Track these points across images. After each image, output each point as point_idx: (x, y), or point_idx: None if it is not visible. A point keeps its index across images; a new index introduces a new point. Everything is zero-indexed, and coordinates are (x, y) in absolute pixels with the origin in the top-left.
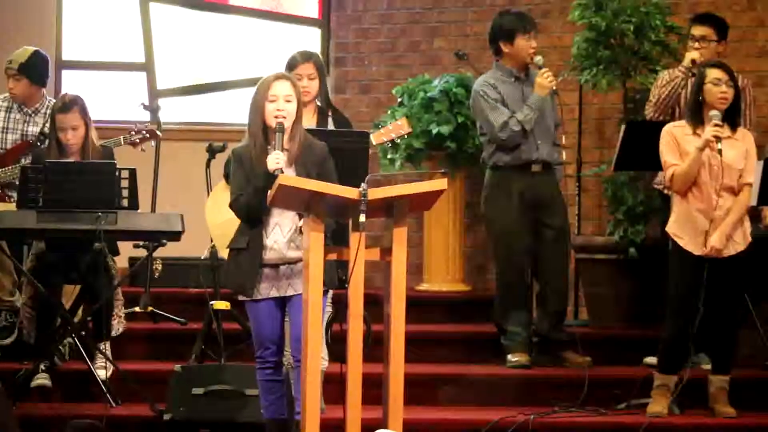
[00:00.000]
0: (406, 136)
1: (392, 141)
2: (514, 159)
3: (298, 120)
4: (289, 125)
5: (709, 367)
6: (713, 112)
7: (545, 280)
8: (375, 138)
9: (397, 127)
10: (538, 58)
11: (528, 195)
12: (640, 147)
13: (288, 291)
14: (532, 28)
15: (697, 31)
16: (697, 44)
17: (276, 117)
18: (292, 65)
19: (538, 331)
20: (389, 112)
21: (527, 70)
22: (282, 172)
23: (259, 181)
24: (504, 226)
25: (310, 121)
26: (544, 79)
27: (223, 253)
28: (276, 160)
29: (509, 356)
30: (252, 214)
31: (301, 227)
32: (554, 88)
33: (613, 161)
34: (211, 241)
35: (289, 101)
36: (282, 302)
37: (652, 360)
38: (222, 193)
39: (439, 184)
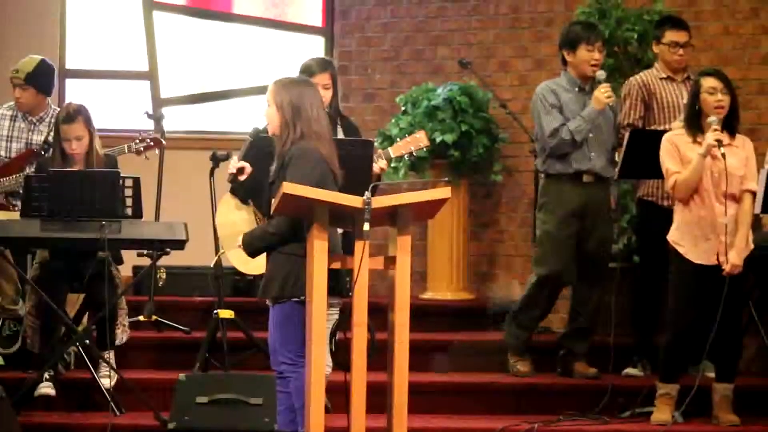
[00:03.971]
0: (424, 149)
1: (410, 154)
2: (565, 167)
3: (285, 126)
4: (273, 131)
5: (713, 375)
6: (712, 118)
7: (579, 288)
8: (393, 150)
9: (415, 140)
10: (600, 73)
11: (576, 205)
12: (644, 155)
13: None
14: (597, 40)
15: (681, 37)
16: (681, 50)
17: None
18: (308, 74)
19: (559, 340)
20: (393, 120)
21: (592, 82)
22: (233, 179)
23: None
24: (549, 234)
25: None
26: (602, 94)
27: (229, 252)
28: (229, 166)
29: (511, 362)
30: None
31: None
32: (611, 104)
33: (617, 169)
34: (216, 251)
35: (268, 106)
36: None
37: (630, 371)
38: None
39: (443, 192)
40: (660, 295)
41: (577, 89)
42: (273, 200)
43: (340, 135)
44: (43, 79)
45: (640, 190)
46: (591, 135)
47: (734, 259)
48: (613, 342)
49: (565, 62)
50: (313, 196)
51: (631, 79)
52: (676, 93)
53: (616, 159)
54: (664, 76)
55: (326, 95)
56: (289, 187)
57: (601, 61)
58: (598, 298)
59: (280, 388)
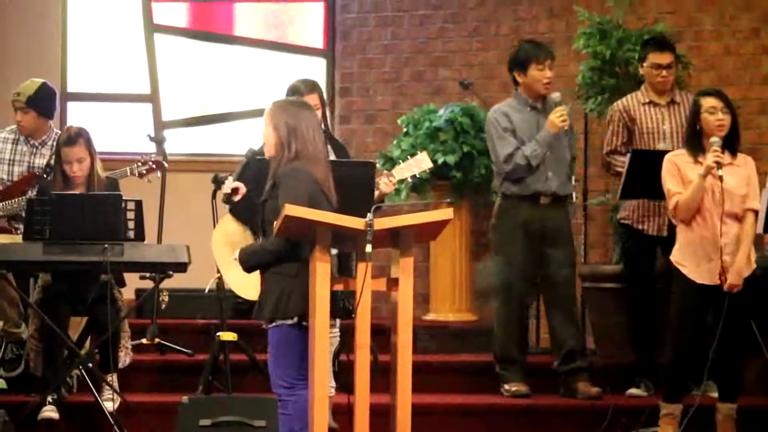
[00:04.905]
0: (427, 171)
1: (414, 176)
2: (522, 189)
3: (281, 147)
4: (270, 153)
5: (716, 394)
6: (713, 139)
7: (553, 312)
8: (397, 173)
9: (418, 162)
10: (556, 95)
11: (534, 226)
12: (646, 176)
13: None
14: (547, 58)
15: (664, 59)
16: (664, 72)
17: None
18: (296, 95)
19: (551, 362)
20: (395, 142)
21: (544, 100)
22: (228, 199)
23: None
24: (507, 255)
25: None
26: (557, 118)
27: (226, 274)
28: (224, 186)
29: (505, 386)
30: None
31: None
32: (566, 127)
33: (619, 190)
34: (218, 271)
35: (265, 127)
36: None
37: (634, 392)
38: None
39: (445, 214)
40: (652, 315)
41: (529, 108)
42: (266, 219)
43: (332, 155)
44: (44, 103)
45: (620, 212)
46: (547, 154)
47: (732, 278)
48: (602, 362)
49: (515, 83)
50: (315, 218)
51: (614, 105)
52: (658, 118)
53: (573, 180)
54: (646, 100)
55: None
56: (290, 209)
57: (552, 79)
58: (573, 317)
59: (282, 410)
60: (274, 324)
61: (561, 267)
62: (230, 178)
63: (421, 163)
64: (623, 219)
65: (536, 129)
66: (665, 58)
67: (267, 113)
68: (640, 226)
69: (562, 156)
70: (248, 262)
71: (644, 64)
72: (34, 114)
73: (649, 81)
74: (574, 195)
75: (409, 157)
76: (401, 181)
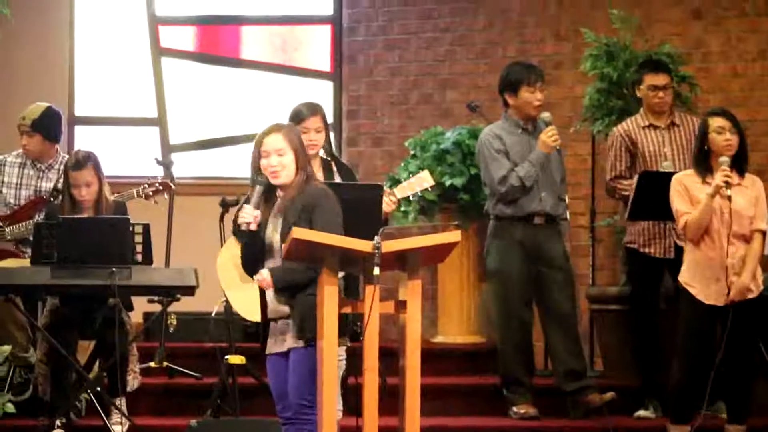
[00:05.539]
0: (429, 189)
1: (416, 194)
2: (516, 210)
3: (300, 170)
4: (288, 179)
5: (725, 416)
6: (722, 159)
7: (553, 332)
8: (399, 191)
9: (420, 180)
10: (546, 115)
11: (529, 245)
12: (654, 197)
13: (283, 346)
14: (537, 80)
15: (660, 80)
16: (661, 93)
17: (271, 173)
18: (299, 118)
19: (554, 384)
20: (402, 164)
21: (535, 121)
22: (251, 228)
23: (241, 237)
24: (504, 275)
25: (316, 174)
26: (548, 137)
27: (231, 296)
28: (243, 215)
29: (513, 408)
30: (246, 271)
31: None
32: (558, 147)
33: (627, 211)
34: (224, 294)
35: (281, 155)
36: (286, 358)
37: (642, 413)
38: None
39: (453, 236)
40: (659, 337)
41: (520, 131)
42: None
43: (337, 177)
44: (49, 126)
45: (626, 236)
46: (539, 174)
47: (734, 295)
48: (612, 384)
49: (505, 105)
50: (324, 241)
51: (614, 130)
52: (658, 141)
53: (564, 198)
54: (645, 124)
55: (319, 138)
56: (299, 232)
57: (542, 100)
58: (575, 337)
59: None
60: (312, 344)
61: (559, 287)
62: (248, 207)
63: (422, 182)
64: (629, 243)
65: (528, 150)
66: (661, 80)
67: (282, 140)
68: (646, 250)
69: (555, 177)
70: (281, 281)
71: (641, 87)
72: (39, 137)
73: (646, 103)
74: (568, 214)
75: (410, 175)
76: (405, 200)
